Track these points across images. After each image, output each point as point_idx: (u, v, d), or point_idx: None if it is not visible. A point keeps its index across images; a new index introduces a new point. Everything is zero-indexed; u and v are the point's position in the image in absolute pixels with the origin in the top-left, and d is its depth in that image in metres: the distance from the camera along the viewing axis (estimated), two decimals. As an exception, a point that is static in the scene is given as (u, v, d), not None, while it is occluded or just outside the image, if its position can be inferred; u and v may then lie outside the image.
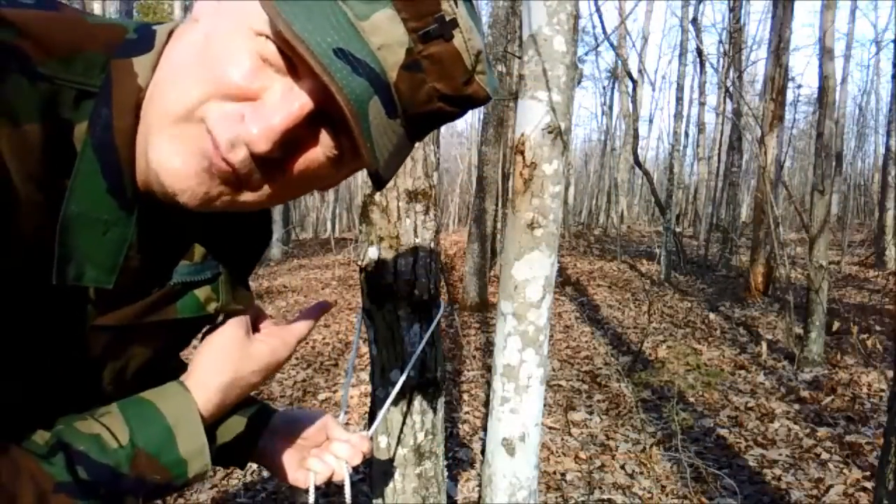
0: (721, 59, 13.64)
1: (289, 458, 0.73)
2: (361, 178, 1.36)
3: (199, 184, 0.44)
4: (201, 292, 0.54)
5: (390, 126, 0.44)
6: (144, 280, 0.49)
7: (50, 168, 0.41)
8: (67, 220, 0.42)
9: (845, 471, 2.93)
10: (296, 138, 0.44)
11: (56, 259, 0.42)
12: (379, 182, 0.46)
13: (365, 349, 4.84)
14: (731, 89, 9.36)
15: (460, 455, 3.07)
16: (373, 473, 1.37)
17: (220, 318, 0.58)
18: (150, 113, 0.44)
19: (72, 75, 0.42)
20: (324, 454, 0.74)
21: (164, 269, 0.51)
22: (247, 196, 0.46)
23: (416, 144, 1.25)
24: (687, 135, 17.41)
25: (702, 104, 13.51)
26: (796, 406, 3.83)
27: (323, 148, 0.46)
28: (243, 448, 0.73)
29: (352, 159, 0.48)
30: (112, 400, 0.55)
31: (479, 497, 1.77)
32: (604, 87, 22.49)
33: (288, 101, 0.42)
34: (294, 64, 0.42)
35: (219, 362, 0.54)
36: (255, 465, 2.87)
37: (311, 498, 0.72)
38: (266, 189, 0.46)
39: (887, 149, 11.68)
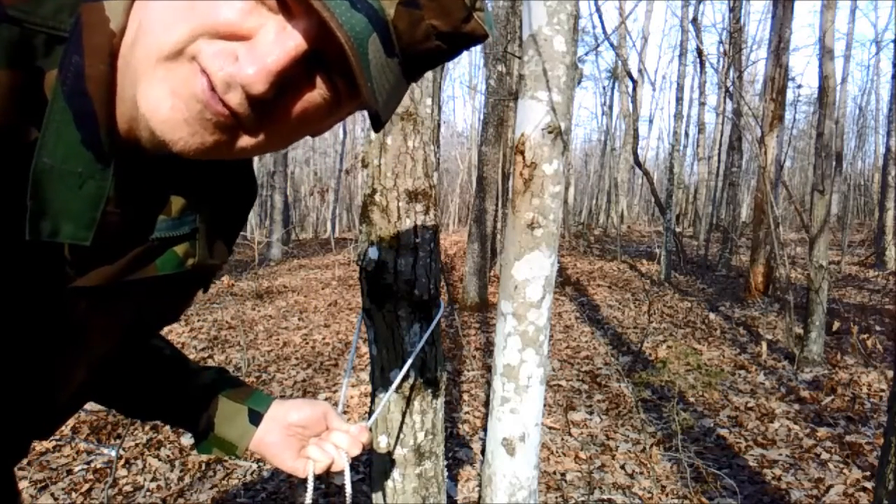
0: (721, 59, 13.64)
1: (287, 447, 0.73)
2: (361, 178, 1.36)
3: (193, 133, 0.42)
4: (180, 248, 0.52)
5: (388, 65, 0.43)
6: (123, 237, 0.48)
7: (18, 118, 0.39)
8: (39, 174, 0.40)
9: (845, 471, 2.93)
10: (291, 79, 0.42)
11: (29, 214, 0.40)
12: (378, 123, 0.45)
13: (365, 349, 4.84)
14: (731, 89, 9.35)
15: (460, 455, 3.07)
16: (372, 473, 1.37)
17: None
18: (135, 57, 0.41)
19: (41, 18, 0.40)
20: (323, 444, 0.74)
21: (143, 224, 0.49)
22: (243, 141, 0.44)
23: (416, 144, 1.26)
24: (687, 135, 17.44)
25: (702, 104, 13.52)
26: (796, 406, 3.83)
27: (319, 90, 0.44)
28: (243, 436, 0.74)
29: (348, 101, 0.46)
30: (96, 367, 0.55)
31: (479, 497, 1.77)
32: (604, 87, 22.50)
33: (282, 41, 0.40)
34: (287, 2, 0.40)
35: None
36: (255, 465, 2.87)
37: (310, 485, 0.72)
38: (262, 134, 0.45)
39: (887, 149, 11.69)
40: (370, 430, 0.79)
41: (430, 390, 1.31)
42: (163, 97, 0.41)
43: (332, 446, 0.74)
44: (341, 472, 0.74)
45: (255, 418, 0.74)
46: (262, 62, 0.40)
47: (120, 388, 0.74)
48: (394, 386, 1.00)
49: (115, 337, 0.54)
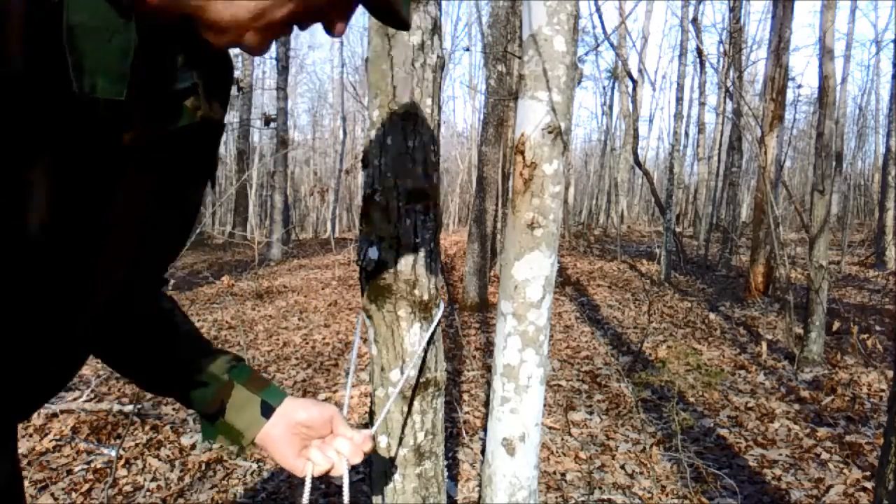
0: (721, 59, 13.64)
1: (291, 444, 0.74)
2: (361, 178, 1.36)
3: (239, 35, 0.50)
4: (188, 102, 0.55)
5: None
6: (144, 94, 0.50)
7: None
8: (70, 30, 0.42)
9: (845, 471, 2.93)
10: None
11: (71, 67, 0.42)
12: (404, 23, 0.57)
13: (365, 349, 4.84)
14: (731, 89, 9.36)
15: (460, 455, 3.07)
16: (373, 473, 1.37)
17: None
18: None
19: None
20: (326, 448, 0.74)
21: (159, 82, 0.52)
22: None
23: (416, 144, 1.25)
24: (687, 135, 17.43)
25: (702, 104, 13.53)
26: (796, 406, 3.83)
27: None
28: (251, 426, 0.74)
29: None
30: (124, 276, 0.59)
31: (479, 497, 1.77)
32: (604, 87, 22.49)
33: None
34: None
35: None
36: (255, 465, 2.87)
37: (307, 487, 0.72)
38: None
39: (887, 149, 11.69)
40: (373, 438, 0.79)
41: (430, 390, 1.31)
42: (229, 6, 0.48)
43: (335, 452, 0.74)
44: (340, 477, 0.74)
45: (267, 411, 0.74)
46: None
47: (136, 349, 0.74)
48: (395, 390, 1.00)
49: (142, 222, 0.56)
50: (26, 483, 2.64)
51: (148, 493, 2.63)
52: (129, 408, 3.36)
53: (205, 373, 0.75)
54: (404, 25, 0.56)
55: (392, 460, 1.30)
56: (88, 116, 0.45)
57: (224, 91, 0.63)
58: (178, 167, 0.58)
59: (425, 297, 1.26)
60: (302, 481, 0.73)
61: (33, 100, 0.42)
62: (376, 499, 1.34)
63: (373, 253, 1.25)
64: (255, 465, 2.88)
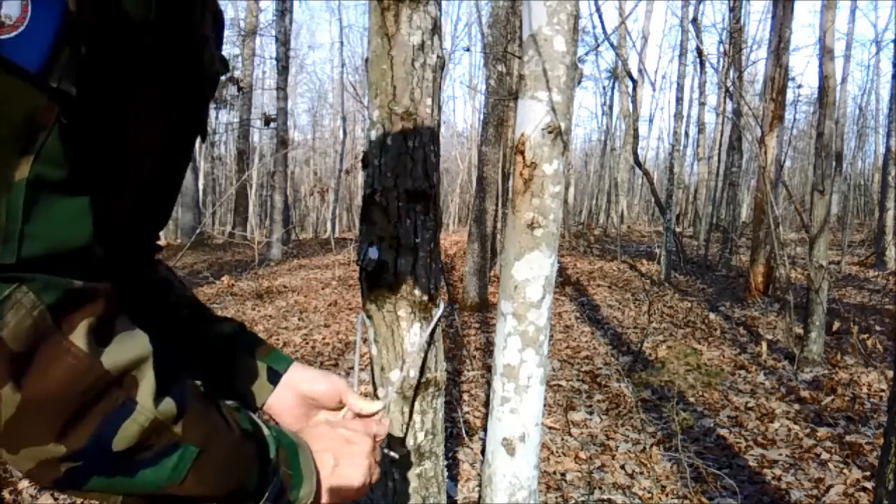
0: (721, 59, 13.65)
1: (295, 414, 0.73)
2: (361, 178, 1.36)
3: None
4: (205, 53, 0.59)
5: None
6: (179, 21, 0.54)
7: None
8: None
9: (845, 471, 2.93)
10: None
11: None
12: None
13: (365, 349, 4.84)
14: (731, 89, 9.36)
15: (460, 455, 3.07)
16: (373, 473, 1.37)
17: None
18: None
19: None
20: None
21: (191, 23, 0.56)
22: None
23: (416, 144, 1.25)
24: (687, 135, 17.42)
25: (702, 104, 13.53)
26: (796, 406, 3.83)
27: None
28: (260, 392, 0.73)
29: None
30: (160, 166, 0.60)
31: (479, 497, 1.77)
32: (604, 87, 22.48)
33: None
34: None
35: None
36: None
37: None
38: None
39: (887, 149, 11.68)
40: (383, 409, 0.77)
41: (430, 390, 1.31)
42: None
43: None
44: None
45: (274, 377, 0.73)
46: None
47: (138, 307, 0.74)
48: (395, 390, 1.00)
49: (160, 145, 0.57)
50: (26, 483, 2.63)
51: (148, 493, 2.63)
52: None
53: (208, 339, 0.74)
54: None
55: (392, 460, 1.30)
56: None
57: (219, 46, 0.65)
58: (187, 112, 0.61)
59: (425, 297, 1.26)
60: None
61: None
62: (376, 499, 1.34)
63: (373, 253, 1.25)
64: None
